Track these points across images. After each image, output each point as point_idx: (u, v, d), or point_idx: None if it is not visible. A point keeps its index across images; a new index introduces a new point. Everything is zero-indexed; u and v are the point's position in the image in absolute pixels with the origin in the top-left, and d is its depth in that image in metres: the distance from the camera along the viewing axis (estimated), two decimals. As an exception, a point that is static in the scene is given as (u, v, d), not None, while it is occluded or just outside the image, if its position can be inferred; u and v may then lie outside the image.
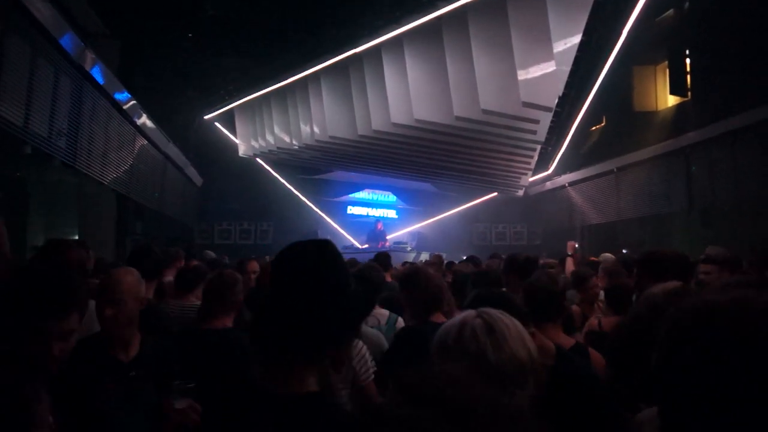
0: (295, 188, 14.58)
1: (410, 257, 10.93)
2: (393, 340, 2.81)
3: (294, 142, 10.82)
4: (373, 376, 2.54)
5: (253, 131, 11.93)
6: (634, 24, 7.96)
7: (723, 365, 0.72)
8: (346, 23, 8.47)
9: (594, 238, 12.09)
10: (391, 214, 16.43)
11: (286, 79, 10.04)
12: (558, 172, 12.33)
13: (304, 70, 9.66)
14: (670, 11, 9.76)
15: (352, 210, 16.05)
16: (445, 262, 7.08)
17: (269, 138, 11.42)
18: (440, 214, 15.66)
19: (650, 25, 9.36)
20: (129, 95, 7.48)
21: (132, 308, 2.14)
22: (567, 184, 12.48)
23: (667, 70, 9.60)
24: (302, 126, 10.49)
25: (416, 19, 7.83)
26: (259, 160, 13.24)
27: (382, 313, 3.30)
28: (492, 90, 7.30)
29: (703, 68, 8.89)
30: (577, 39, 7.49)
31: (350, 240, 14.76)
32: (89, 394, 1.93)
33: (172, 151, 10.02)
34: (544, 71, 7.02)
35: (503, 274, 3.59)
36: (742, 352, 0.71)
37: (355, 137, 9.39)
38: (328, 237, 13.59)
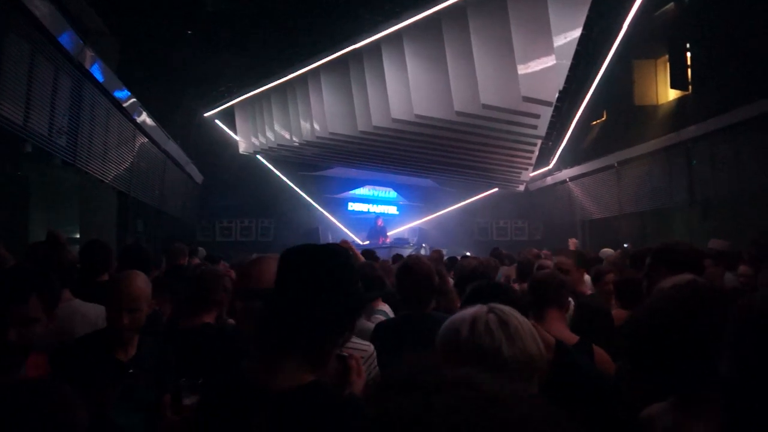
0: (295, 185, 14.56)
1: (406, 252, 10.91)
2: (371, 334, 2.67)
3: (294, 139, 10.81)
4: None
5: (254, 128, 11.91)
6: (634, 18, 7.94)
7: None
8: (345, 19, 8.45)
9: (595, 232, 12.09)
10: (392, 210, 16.42)
11: (286, 75, 10.01)
12: (559, 166, 12.31)
13: (303, 67, 9.63)
14: (671, 5, 9.72)
15: (352, 206, 16.03)
16: (446, 258, 7.09)
17: (269, 135, 11.41)
18: (441, 210, 15.65)
19: (651, 18, 9.34)
20: (129, 93, 7.47)
21: (145, 313, 2.19)
22: (568, 179, 12.47)
23: (668, 64, 9.57)
24: (302, 122, 10.47)
25: (416, 15, 7.81)
26: (259, 157, 13.22)
27: (387, 309, 3.30)
28: (492, 85, 7.28)
29: (704, 62, 8.87)
30: (577, 33, 7.47)
31: (351, 236, 14.77)
32: (89, 394, 1.93)
33: (173, 148, 10.01)
34: (544, 65, 6.99)
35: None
36: None
37: (356, 133, 9.37)
38: (329, 234, 13.68)
